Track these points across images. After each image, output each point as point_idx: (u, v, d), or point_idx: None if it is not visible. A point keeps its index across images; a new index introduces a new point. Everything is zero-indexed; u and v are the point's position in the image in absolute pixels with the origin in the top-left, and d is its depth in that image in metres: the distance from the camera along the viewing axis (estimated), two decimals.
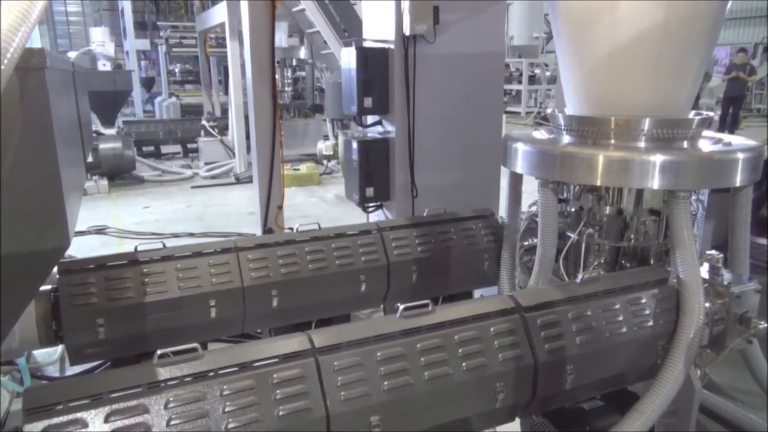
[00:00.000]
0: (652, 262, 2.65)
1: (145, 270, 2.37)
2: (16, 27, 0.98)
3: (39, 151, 1.01)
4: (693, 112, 2.65)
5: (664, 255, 2.63)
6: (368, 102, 4.28)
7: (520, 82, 20.00)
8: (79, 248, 5.72)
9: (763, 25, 24.72)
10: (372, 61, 4.23)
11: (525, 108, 19.26)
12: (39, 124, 1.01)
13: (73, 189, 1.61)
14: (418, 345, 1.77)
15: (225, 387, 1.51)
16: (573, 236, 2.67)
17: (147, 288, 2.34)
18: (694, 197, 3.43)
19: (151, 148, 11.26)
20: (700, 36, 2.42)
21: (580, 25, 2.52)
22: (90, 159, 7.61)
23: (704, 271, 2.37)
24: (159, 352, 1.53)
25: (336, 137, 9.27)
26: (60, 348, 3.55)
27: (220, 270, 2.48)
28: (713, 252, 2.40)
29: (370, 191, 4.35)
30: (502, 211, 3.12)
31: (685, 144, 2.44)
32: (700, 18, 2.37)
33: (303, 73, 12.81)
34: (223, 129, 11.19)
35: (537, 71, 19.97)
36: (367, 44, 4.49)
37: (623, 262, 2.69)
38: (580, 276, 2.17)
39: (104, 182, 8.68)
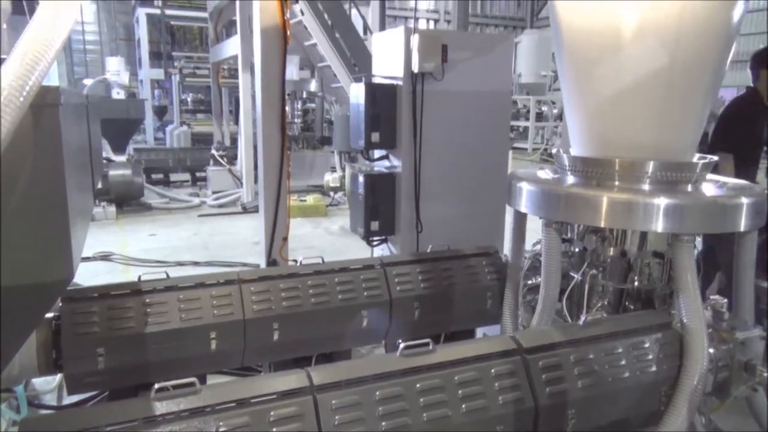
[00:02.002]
0: (656, 304, 2.63)
1: (147, 300, 2.37)
2: (33, 65, 1.02)
3: (48, 187, 1.03)
4: (697, 155, 2.67)
5: (669, 298, 2.61)
6: (375, 137, 4.32)
7: (527, 119, 20.17)
8: (85, 274, 5.74)
9: None
10: (380, 97, 4.29)
11: (532, 144, 19.38)
12: (50, 161, 1.04)
13: (80, 218, 1.63)
14: (418, 385, 1.75)
15: (221, 423, 1.50)
16: (577, 277, 2.66)
17: (148, 318, 2.34)
18: (699, 239, 3.43)
19: (161, 176, 11.37)
20: (703, 80, 2.46)
21: (585, 68, 2.56)
22: (99, 185, 7.69)
23: (709, 316, 2.35)
24: (157, 385, 1.53)
25: (343, 169, 9.34)
26: (59, 376, 3.53)
27: (222, 302, 2.48)
28: (717, 297, 2.38)
29: (375, 225, 4.35)
30: (507, 248, 3.12)
31: (689, 187, 2.45)
32: (703, 62, 2.40)
33: (313, 105, 13.01)
34: (232, 158, 11.31)
35: (544, 108, 20.16)
36: (376, 80, 4.56)
37: (627, 304, 2.68)
38: (582, 318, 2.16)
39: (112, 208, 8.75)
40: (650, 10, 2.26)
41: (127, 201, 9.26)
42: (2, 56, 2.00)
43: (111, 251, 6.89)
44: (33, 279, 1.05)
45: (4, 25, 2.13)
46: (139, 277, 2.49)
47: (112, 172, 8.83)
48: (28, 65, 1.01)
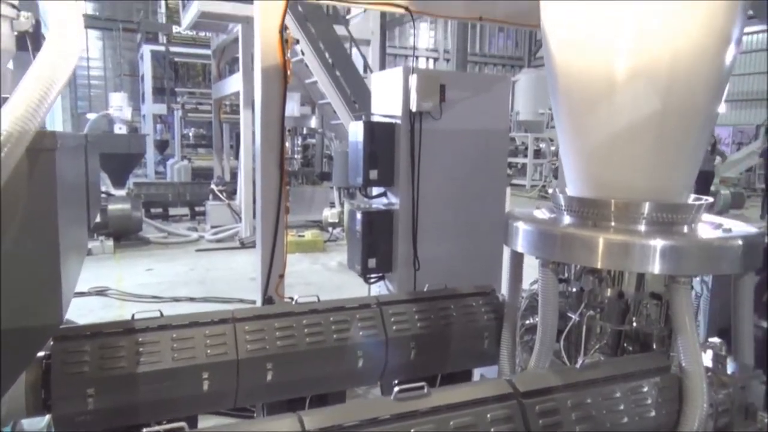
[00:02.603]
0: (654, 346, 2.60)
1: (140, 339, 2.34)
2: (32, 110, 1.03)
3: (41, 232, 1.03)
4: (693, 196, 2.68)
5: (668, 339, 2.59)
6: (374, 174, 4.35)
7: (525, 156, 20.38)
8: (79, 310, 5.69)
9: (762, 108, 25.36)
10: (379, 135, 4.34)
11: (530, 181, 19.52)
12: (43, 206, 1.04)
13: (74, 256, 1.63)
14: (412, 430, 1.72)
15: None
16: (574, 317, 2.64)
17: (141, 358, 2.31)
18: (698, 278, 3.42)
19: (159, 210, 11.39)
20: (697, 123, 2.48)
21: (579, 111, 2.59)
22: (98, 219, 7.69)
23: (708, 359, 2.32)
24: (145, 430, 1.50)
25: (342, 205, 9.37)
26: (47, 417, 3.46)
27: (216, 341, 2.45)
28: (716, 340, 2.36)
29: (372, 262, 4.34)
30: (505, 286, 3.11)
31: (686, 228, 2.45)
32: (696, 106, 2.43)
33: (313, 141, 13.14)
34: (232, 193, 11.36)
35: (542, 146, 20.39)
36: (375, 118, 4.61)
37: (625, 345, 2.65)
38: (580, 361, 2.13)
39: (110, 243, 8.74)
40: (642, 56, 2.30)
41: (125, 235, 9.25)
42: (5, 96, 2.03)
43: (107, 286, 6.85)
44: (22, 324, 1.04)
45: (7, 65, 2.16)
46: (133, 316, 2.46)
47: (111, 207, 8.85)
48: (27, 110, 1.02)
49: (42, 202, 1.04)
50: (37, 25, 2.43)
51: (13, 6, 2.15)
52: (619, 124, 2.45)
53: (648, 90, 2.36)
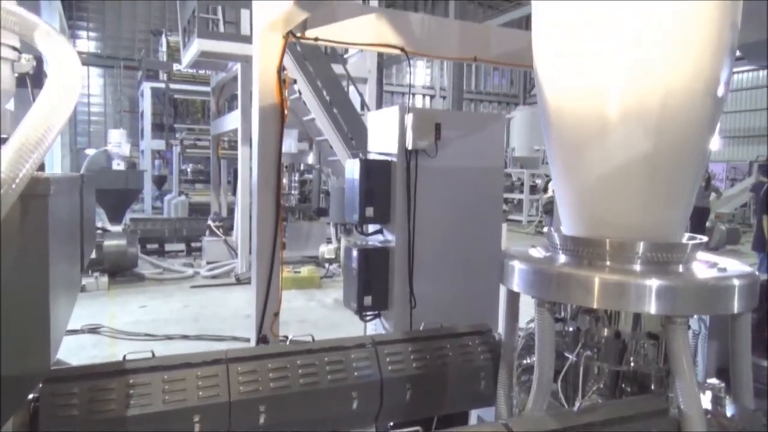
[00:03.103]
0: (653, 386, 2.57)
1: (131, 381, 2.30)
2: (27, 156, 1.04)
3: (31, 278, 1.03)
4: (687, 235, 2.69)
5: (666, 379, 2.55)
6: (370, 211, 4.37)
7: (521, 192, 20.51)
8: (70, 348, 5.61)
9: (755, 144, 25.74)
10: (375, 173, 4.37)
11: (526, 217, 19.59)
12: (34, 253, 1.03)
13: (66, 295, 1.61)
14: None
15: None
16: (571, 357, 2.61)
17: (131, 401, 2.26)
18: (696, 316, 3.39)
19: (155, 246, 11.36)
20: (688, 162, 2.51)
21: (572, 150, 2.62)
22: (93, 255, 7.66)
23: (707, 401, 2.29)
24: None
25: (339, 241, 9.37)
26: None
27: (207, 383, 2.41)
28: (715, 381, 2.33)
29: (368, 300, 4.32)
30: (502, 324, 3.08)
31: (681, 268, 2.45)
32: (687, 145, 2.46)
33: (310, 176, 13.21)
34: (228, 229, 11.36)
35: (538, 181, 20.53)
36: (371, 156, 4.66)
37: (623, 386, 2.61)
38: (577, 403, 2.10)
39: (104, 279, 8.68)
40: (632, 97, 2.34)
41: (121, 271, 9.20)
42: (4, 135, 2.04)
43: (99, 323, 6.77)
44: (9, 371, 1.02)
45: (6, 106, 2.19)
46: (124, 357, 2.43)
47: (106, 243, 8.83)
48: (22, 156, 1.03)
49: (33, 248, 1.04)
50: (38, 62, 2.47)
51: (15, 48, 2.18)
52: (611, 164, 2.48)
53: (639, 130, 2.39)
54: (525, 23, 18.04)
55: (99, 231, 9.11)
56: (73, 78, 1.18)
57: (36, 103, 1.11)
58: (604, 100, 2.40)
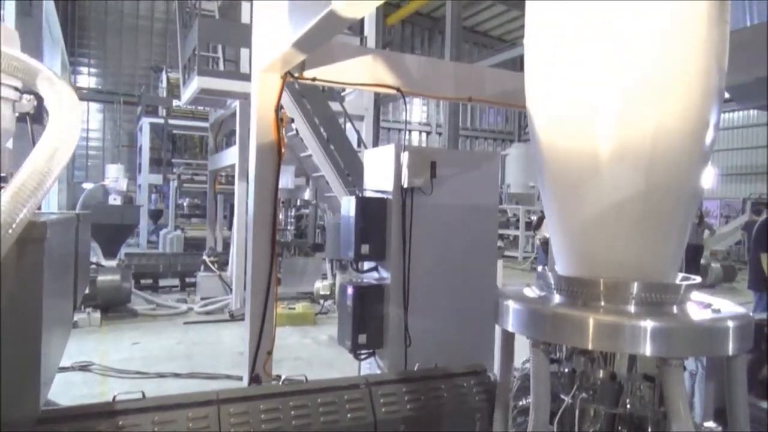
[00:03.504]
0: (650, 429, 2.53)
1: (120, 422, 2.27)
2: (24, 202, 1.05)
3: (24, 321, 1.02)
4: (681, 275, 2.70)
5: (663, 421, 2.52)
6: (365, 249, 4.38)
7: (517, 228, 20.56)
8: (60, 385, 5.51)
9: (748, 182, 26.02)
10: (370, 210, 4.40)
11: (522, 253, 19.59)
12: (29, 296, 1.03)
13: (57, 338, 1.60)
14: None
15: None
16: (567, 399, 2.58)
17: None
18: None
19: (150, 281, 11.28)
20: (680, 201, 2.53)
21: (565, 189, 2.65)
22: (87, 291, 7.59)
23: None
24: None
25: (334, 277, 9.32)
26: None
27: (198, 424, 2.37)
28: (711, 425, 2.31)
29: (362, 338, 4.29)
30: (497, 363, 3.05)
31: (675, 309, 2.45)
32: (678, 185, 2.49)
33: (307, 211, 13.23)
34: (224, 264, 11.30)
35: (533, 218, 20.61)
36: (367, 194, 4.69)
37: (620, 428, 2.58)
38: None
39: (97, 315, 8.58)
40: (623, 138, 2.38)
41: (114, 307, 9.11)
42: (3, 174, 2.05)
43: (90, 360, 6.66)
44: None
45: (6, 145, 2.21)
46: (114, 397, 2.39)
47: (100, 278, 8.77)
48: (19, 201, 1.04)
49: (28, 291, 1.04)
50: (39, 99, 2.51)
51: (16, 89, 2.22)
52: (604, 204, 2.50)
53: (631, 170, 2.42)
54: (519, 63, 18.42)
55: (93, 266, 9.06)
56: (72, 126, 1.20)
57: (35, 149, 1.13)
58: (595, 141, 2.44)
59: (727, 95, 3.28)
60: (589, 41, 2.41)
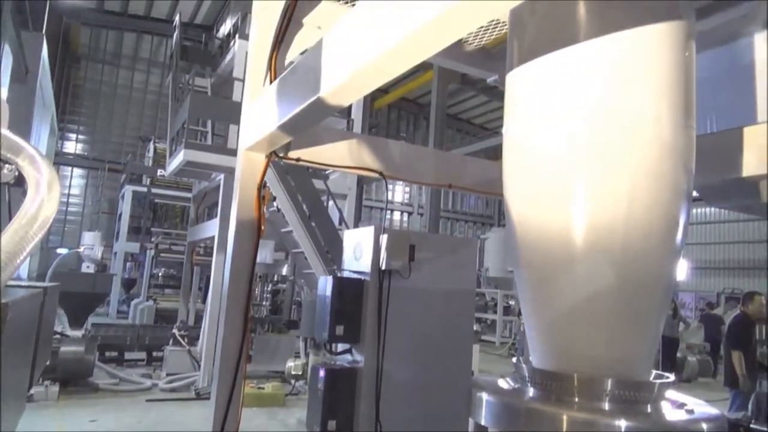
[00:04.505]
0: None
1: None
2: None
3: None
4: (654, 372, 2.69)
5: None
6: (340, 330, 4.31)
7: (495, 312, 20.44)
8: None
9: (723, 276, 26.53)
10: (347, 291, 4.37)
11: (500, 338, 19.38)
12: None
13: (8, 416, 1.52)
14: None
15: None
16: None
17: None
18: None
19: (115, 353, 10.84)
20: (654, 295, 2.57)
21: (539, 282, 2.68)
22: (48, 362, 7.27)
23: None
24: None
25: (307, 356, 9.08)
26: None
27: None
28: None
29: (332, 424, 4.13)
30: None
31: (649, 408, 2.43)
32: (650, 279, 2.53)
33: (284, 286, 13.05)
34: (194, 339, 10.96)
35: (512, 302, 20.57)
36: (345, 274, 4.67)
37: None
38: None
39: (55, 388, 8.14)
40: (595, 233, 2.45)
41: (74, 380, 8.69)
42: None
43: None
44: None
45: None
46: None
47: (63, 348, 8.41)
48: None
49: None
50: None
51: None
52: (576, 297, 2.53)
53: (603, 264, 2.47)
54: (500, 151, 19.06)
55: (57, 336, 8.71)
56: (48, 209, 1.21)
57: (8, 228, 1.13)
58: (567, 235, 2.50)
59: (696, 194, 3.41)
60: (559, 139, 2.53)
